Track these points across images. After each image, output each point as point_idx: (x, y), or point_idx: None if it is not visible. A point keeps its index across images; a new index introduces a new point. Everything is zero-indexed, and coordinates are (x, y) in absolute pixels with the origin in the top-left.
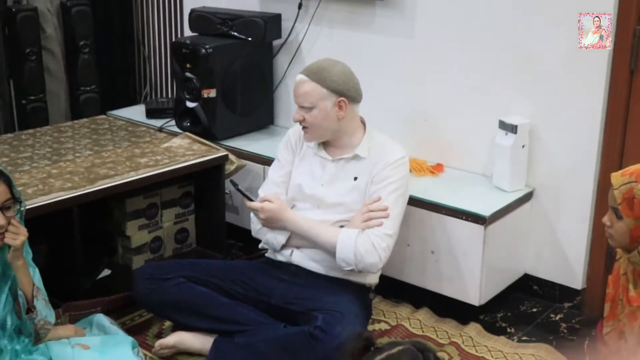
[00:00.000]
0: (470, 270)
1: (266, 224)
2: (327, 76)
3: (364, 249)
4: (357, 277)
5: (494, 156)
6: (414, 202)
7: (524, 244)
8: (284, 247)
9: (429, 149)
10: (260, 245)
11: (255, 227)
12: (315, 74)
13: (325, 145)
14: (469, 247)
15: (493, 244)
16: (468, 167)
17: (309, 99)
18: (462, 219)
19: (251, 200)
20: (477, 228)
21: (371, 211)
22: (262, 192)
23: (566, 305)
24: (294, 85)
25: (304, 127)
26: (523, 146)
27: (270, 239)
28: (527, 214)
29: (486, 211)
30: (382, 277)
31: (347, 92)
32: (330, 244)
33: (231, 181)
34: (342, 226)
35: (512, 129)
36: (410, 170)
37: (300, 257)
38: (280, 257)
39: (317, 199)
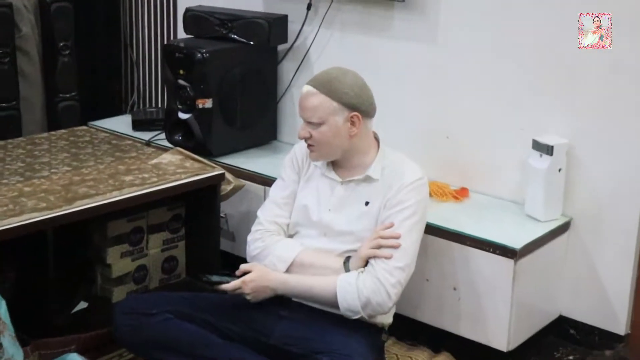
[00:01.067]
0: (498, 310)
1: (255, 298)
2: (339, 88)
3: (369, 290)
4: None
5: (527, 180)
6: (433, 231)
7: (560, 282)
8: None
9: (451, 170)
10: None
11: (251, 252)
12: (325, 86)
13: (334, 164)
14: (496, 284)
15: (524, 280)
16: (496, 192)
17: (318, 114)
18: (488, 251)
19: (226, 282)
20: (506, 262)
21: (381, 238)
22: (261, 214)
23: (607, 352)
24: (300, 96)
25: (309, 145)
26: (560, 170)
27: (269, 265)
28: (563, 247)
29: (517, 243)
30: (397, 316)
31: (360, 106)
32: (329, 294)
33: (200, 276)
34: (349, 257)
35: (548, 150)
36: (431, 195)
37: None
38: None
39: (323, 225)
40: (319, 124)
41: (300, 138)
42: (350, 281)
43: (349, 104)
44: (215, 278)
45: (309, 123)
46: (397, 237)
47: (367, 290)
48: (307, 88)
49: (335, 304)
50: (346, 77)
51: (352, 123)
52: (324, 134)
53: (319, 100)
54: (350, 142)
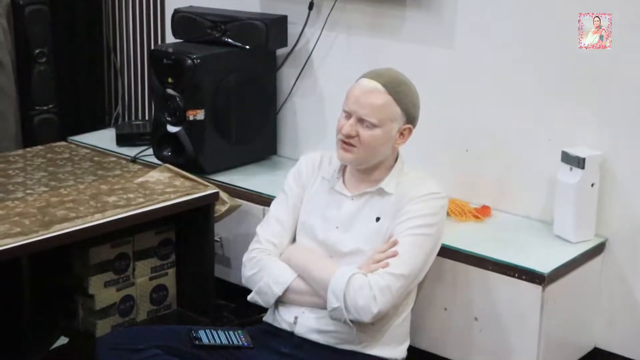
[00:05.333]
0: (525, 342)
1: None
2: (408, 93)
3: (356, 286)
4: (378, 350)
5: (555, 197)
6: (452, 254)
7: (594, 310)
8: (281, 305)
9: (472, 187)
10: (249, 298)
11: (246, 272)
12: (395, 87)
13: (344, 176)
14: (522, 313)
15: (553, 309)
16: (522, 210)
17: (379, 115)
18: (513, 276)
19: (219, 344)
20: (533, 289)
21: (381, 252)
22: (260, 231)
23: None
24: (355, 88)
25: (349, 144)
26: (592, 185)
27: (264, 287)
28: (597, 271)
29: (545, 267)
30: (411, 350)
31: (415, 120)
32: (325, 279)
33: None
34: None
35: (579, 162)
36: (449, 214)
37: (307, 328)
38: (282, 324)
39: (329, 245)
40: (375, 126)
41: (344, 134)
42: (345, 272)
43: (410, 114)
44: (205, 338)
45: (360, 120)
46: (395, 245)
47: (355, 285)
48: (373, 83)
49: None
50: (411, 84)
51: (402, 135)
52: (375, 137)
53: (384, 101)
54: (388, 153)
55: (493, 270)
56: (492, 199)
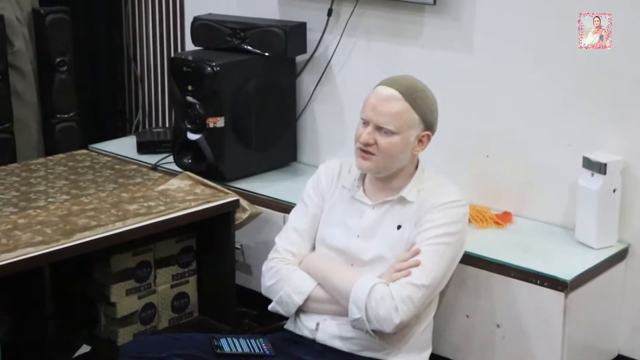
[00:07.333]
0: (548, 349)
1: None
2: (425, 100)
3: (378, 296)
4: (400, 357)
5: (577, 203)
6: (473, 260)
7: (617, 316)
8: (302, 312)
9: (492, 193)
10: (270, 308)
11: (266, 282)
12: (412, 94)
13: (365, 185)
14: (545, 320)
15: (577, 316)
16: (543, 216)
17: (397, 122)
18: (535, 283)
19: (242, 354)
20: (556, 296)
21: (403, 261)
22: (279, 241)
23: None
24: (372, 96)
25: (367, 153)
26: (614, 190)
27: (284, 296)
28: (620, 277)
29: (567, 274)
30: (433, 357)
31: (433, 126)
32: (346, 289)
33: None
34: None
35: (600, 168)
36: (470, 220)
37: (328, 335)
38: (304, 331)
39: (350, 254)
40: (393, 133)
41: (362, 142)
42: (367, 282)
43: (428, 121)
44: (226, 347)
45: (378, 128)
46: (417, 253)
47: (377, 295)
48: (390, 91)
49: (345, 300)
50: (428, 91)
51: (421, 142)
52: (393, 145)
53: (402, 108)
54: (407, 161)
55: (515, 277)
56: (513, 205)
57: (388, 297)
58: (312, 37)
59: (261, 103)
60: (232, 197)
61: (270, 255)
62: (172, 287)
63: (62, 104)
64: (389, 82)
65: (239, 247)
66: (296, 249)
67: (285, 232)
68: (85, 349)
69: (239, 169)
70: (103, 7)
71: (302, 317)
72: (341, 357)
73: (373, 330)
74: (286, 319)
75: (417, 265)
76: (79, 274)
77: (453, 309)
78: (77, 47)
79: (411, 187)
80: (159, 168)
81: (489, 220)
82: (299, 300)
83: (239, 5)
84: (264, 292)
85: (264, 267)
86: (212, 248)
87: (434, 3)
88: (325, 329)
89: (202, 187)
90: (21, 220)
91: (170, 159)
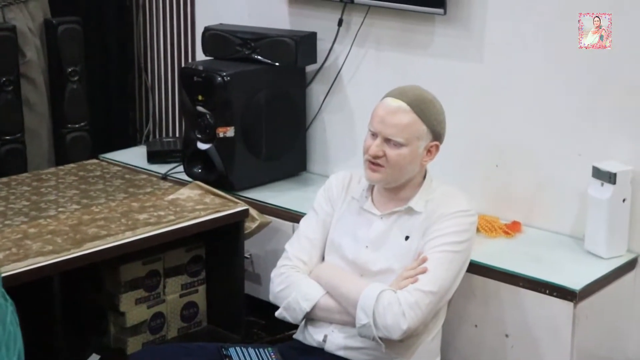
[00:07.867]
0: (556, 359)
1: None
2: (433, 111)
3: (385, 302)
4: None
5: (587, 213)
6: (482, 270)
7: (627, 326)
8: (309, 324)
9: (502, 202)
10: (277, 314)
11: (275, 288)
12: (419, 106)
13: (373, 195)
14: (554, 330)
15: (586, 326)
16: (552, 226)
17: (405, 134)
18: (544, 293)
19: None
20: (565, 306)
21: (411, 269)
22: (289, 248)
23: None
24: (379, 108)
25: (377, 165)
26: (624, 200)
27: (292, 302)
28: (629, 287)
29: (576, 284)
30: None
31: (442, 137)
32: (354, 296)
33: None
34: None
35: (610, 177)
36: (478, 230)
37: (336, 346)
38: (311, 341)
39: (359, 265)
40: (401, 145)
41: (371, 154)
42: (375, 289)
43: (436, 131)
44: (235, 356)
45: (387, 140)
46: (424, 261)
47: (385, 301)
48: (398, 103)
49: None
50: (436, 101)
51: (429, 152)
52: (402, 157)
53: (410, 120)
54: (415, 172)
55: (524, 286)
56: (523, 214)
57: (395, 303)
58: (322, 47)
59: (271, 113)
60: (241, 207)
61: (281, 262)
62: (181, 296)
63: (73, 113)
64: (397, 94)
65: (248, 256)
66: (307, 257)
67: (296, 240)
68: (94, 358)
69: (248, 179)
70: (114, 17)
71: (310, 329)
72: None
73: (380, 338)
74: (295, 328)
75: (424, 272)
76: (88, 283)
77: (462, 318)
78: (88, 58)
79: (419, 197)
80: (169, 178)
81: (498, 229)
82: (306, 306)
83: (250, 16)
84: (271, 298)
85: (274, 273)
86: (221, 257)
87: (445, 13)
88: (333, 341)
89: (212, 196)
90: (32, 230)
91: (180, 168)
